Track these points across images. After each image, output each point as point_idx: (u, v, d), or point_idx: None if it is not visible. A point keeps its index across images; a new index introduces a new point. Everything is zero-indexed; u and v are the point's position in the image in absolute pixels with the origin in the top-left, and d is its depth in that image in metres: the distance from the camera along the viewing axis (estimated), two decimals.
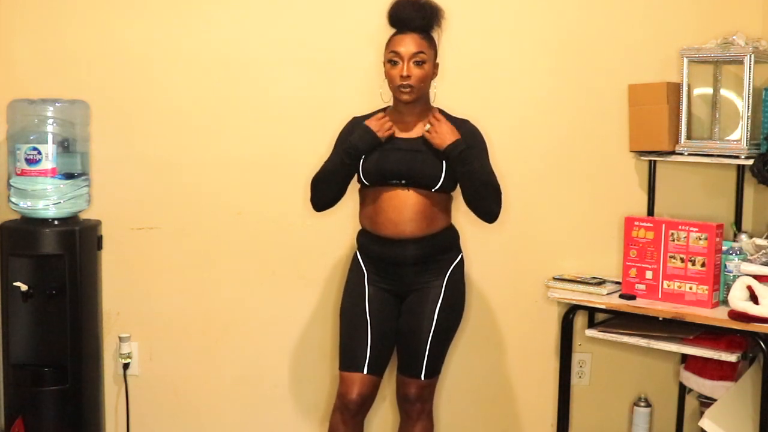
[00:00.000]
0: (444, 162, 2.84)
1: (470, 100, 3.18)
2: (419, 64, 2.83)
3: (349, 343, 2.93)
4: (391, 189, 2.87)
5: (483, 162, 2.89)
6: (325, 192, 2.94)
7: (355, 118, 3.00)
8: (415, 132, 2.90)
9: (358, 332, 2.91)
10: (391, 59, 2.85)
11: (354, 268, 3.03)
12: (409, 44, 2.82)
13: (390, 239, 2.88)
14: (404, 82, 2.82)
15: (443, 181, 2.84)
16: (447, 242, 2.96)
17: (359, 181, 2.94)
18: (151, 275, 3.36)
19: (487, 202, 2.88)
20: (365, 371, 2.87)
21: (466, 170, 2.82)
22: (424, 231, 2.88)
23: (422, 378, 2.89)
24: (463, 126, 2.91)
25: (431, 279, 2.92)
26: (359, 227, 3.00)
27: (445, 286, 2.92)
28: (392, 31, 2.88)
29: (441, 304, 2.90)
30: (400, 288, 2.95)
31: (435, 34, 2.89)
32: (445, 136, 2.81)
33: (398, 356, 2.96)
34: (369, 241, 2.96)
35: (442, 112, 2.95)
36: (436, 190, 2.86)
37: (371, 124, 2.87)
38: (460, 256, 3.00)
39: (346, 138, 2.95)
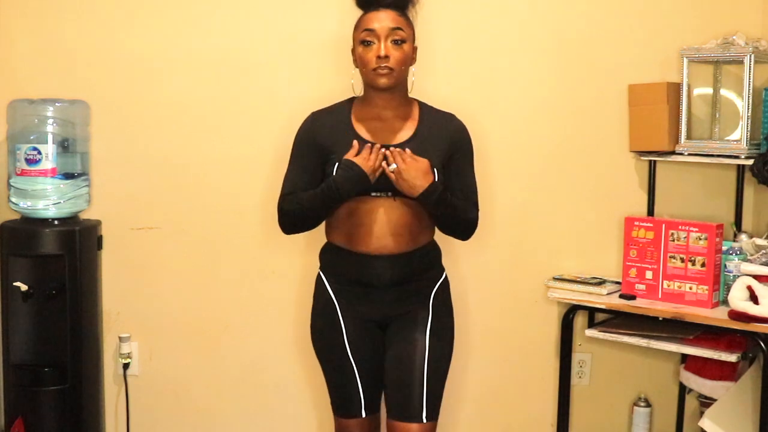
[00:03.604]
0: (434, 170, 2.55)
1: (470, 100, 3.18)
2: (398, 43, 2.51)
3: (338, 390, 2.67)
4: (373, 199, 2.55)
5: (464, 172, 2.66)
6: (300, 226, 2.64)
7: (313, 114, 2.69)
8: (398, 132, 2.59)
9: (346, 377, 2.63)
10: (365, 39, 2.52)
11: (321, 297, 2.66)
12: (384, 20, 2.51)
13: (367, 256, 2.54)
14: (382, 63, 2.49)
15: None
16: (429, 259, 2.67)
17: None
18: (151, 275, 3.36)
19: (458, 235, 2.72)
20: (363, 415, 2.65)
21: (442, 213, 2.58)
22: (408, 246, 2.56)
23: (423, 420, 2.57)
24: (450, 123, 2.68)
25: (415, 302, 2.63)
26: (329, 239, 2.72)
27: (432, 308, 2.64)
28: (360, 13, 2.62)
29: (430, 329, 2.60)
30: (379, 315, 2.62)
31: (410, 15, 2.63)
32: (416, 179, 2.46)
33: (388, 399, 2.63)
34: (340, 259, 2.60)
35: (423, 105, 2.70)
36: None
37: (358, 160, 2.47)
38: (444, 275, 2.74)
39: (304, 139, 2.65)
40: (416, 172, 2.46)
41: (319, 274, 2.67)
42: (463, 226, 2.67)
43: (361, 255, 2.55)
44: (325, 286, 2.64)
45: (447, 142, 2.63)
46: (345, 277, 2.61)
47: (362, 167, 2.47)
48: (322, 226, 2.72)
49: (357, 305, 2.60)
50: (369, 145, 2.51)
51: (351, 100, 2.68)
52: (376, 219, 2.53)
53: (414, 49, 2.62)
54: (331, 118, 2.66)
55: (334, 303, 2.61)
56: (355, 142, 2.52)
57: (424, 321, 2.61)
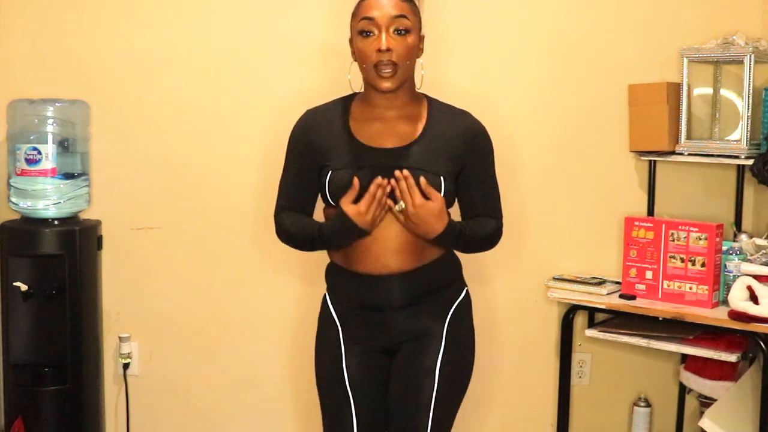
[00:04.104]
0: (442, 177, 2.24)
1: (469, 100, 3.17)
2: (402, 33, 2.19)
3: (332, 424, 2.38)
4: None
5: (482, 178, 2.33)
6: (298, 249, 2.42)
7: (307, 113, 2.41)
8: (402, 135, 2.27)
9: (340, 410, 2.34)
10: (364, 30, 2.20)
11: (324, 319, 2.40)
12: (386, 6, 2.18)
13: (370, 276, 2.25)
14: (384, 58, 2.17)
15: (443, 198, 2.24)
16: (445, 274, 2.36)
17: (325, 201, 2.33)
18: (151, 275, 3.36)
19: (480, 252, 2.44)
20: None
21: (461, 246, 2.34)
22: (415, 263, 2.25)
23: None
24: (463, 122, 2.34)
25: (427, 325, 2.31)
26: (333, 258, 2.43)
27: (447, 332, 2.32)
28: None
29: (442, 358, 2.29)
30: (387, 341, 2.32)
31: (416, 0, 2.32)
32: (428, 224, 2.17)
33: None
34: (342, 279, 2.32)
35: (433, 101, 2.38)
36: None
37: (353, 212, 2.17)
38: (464, 291, 2.41)
39: (297, 141, 2.38)
40: (428, 215, 2.17)
41: (324, 296, 2.42)
42: (485, 245, 2.40)
43: (363, 276, 2.25)
44: (329, 309, 2.37)
45: (459, 145, 2.30)
46: (348, 300, 2.33)
47: (357, 222, 2.17)
48: None
49: (363, 332, 2.32)
50: (376, 184, 2.16)
51: (351, 97, 2.38)
52: (374, 236, 2.22)
53: (421, 39, 2.31)
54: (326, 118, 2.36)
55: (337, 328, 2.34)
56: (356, 182, 2.18)
57: (436, 350, 2.29)
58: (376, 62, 2.19)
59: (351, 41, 2.31)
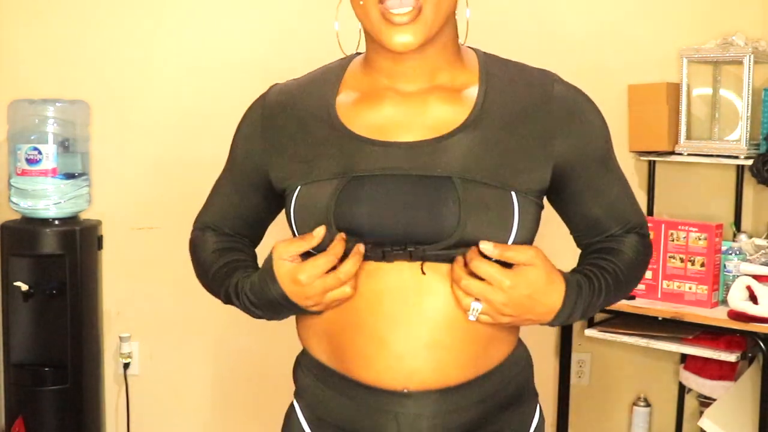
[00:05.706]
0: (514, 193, 1.30)
1: None
2: None
3: None
4: (378, 268, 1.27)
5: (602, 178, 1.41)
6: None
7: (273, 88, 1.55)
8: (435, 120, 1.29)
9: None
10: None
11: None
12: None
13: (381, 393, 1.28)
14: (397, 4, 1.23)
15: (515, 237, 1.33)
16: (515, 386, 1.35)
17: (292, 232, 1.38)
18: (151, 275, 3.36)
19: (629, 291, 1.50)
20: None
21: (596, 309, 1.42)
22: (470, 371, 1.28)
23: None
24: (547, 88, 1.41)
25: None
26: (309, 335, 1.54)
27: None
28: None
29: None
30: None
31: None
32: (536, 307, 1.28)
33: None
34: (327, 389, 1.40)
35: (488, 58, 1.46)
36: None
37: (285, 278, 1.29)
38: (538, 411, 1.40)
39: (250, 131, 1.54)
40: (531, 295, 1.28)
41: (292, 405, 1.49)
42: (632, 282, 1.46)
43: (367, 389, 1.29)
44: (300, 428, 1.43)
45: (548, 129, 1.35)
46: (334, 424, 1.37)
47: (289, 295, 1.30)
48: None
49: None
50: (337, 240, 1.24)
51: (350, 60, 1.43)
52: (393, 317, 1.25)
53: None
54: (302, 98, 1.42)
55: None
56: (320, 230, 1.25)
57: None
58: (387, 8, 1.25)
59: None
